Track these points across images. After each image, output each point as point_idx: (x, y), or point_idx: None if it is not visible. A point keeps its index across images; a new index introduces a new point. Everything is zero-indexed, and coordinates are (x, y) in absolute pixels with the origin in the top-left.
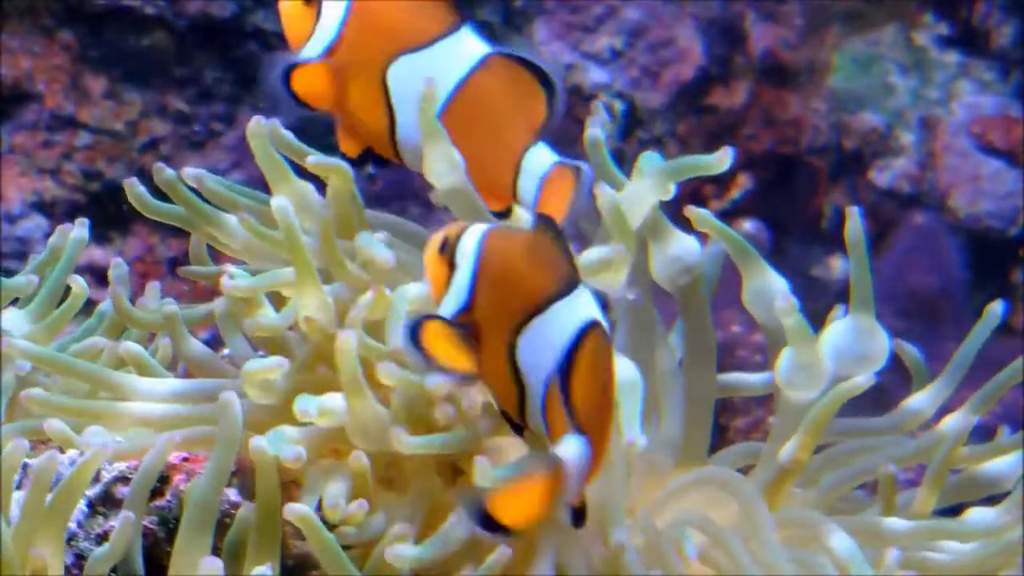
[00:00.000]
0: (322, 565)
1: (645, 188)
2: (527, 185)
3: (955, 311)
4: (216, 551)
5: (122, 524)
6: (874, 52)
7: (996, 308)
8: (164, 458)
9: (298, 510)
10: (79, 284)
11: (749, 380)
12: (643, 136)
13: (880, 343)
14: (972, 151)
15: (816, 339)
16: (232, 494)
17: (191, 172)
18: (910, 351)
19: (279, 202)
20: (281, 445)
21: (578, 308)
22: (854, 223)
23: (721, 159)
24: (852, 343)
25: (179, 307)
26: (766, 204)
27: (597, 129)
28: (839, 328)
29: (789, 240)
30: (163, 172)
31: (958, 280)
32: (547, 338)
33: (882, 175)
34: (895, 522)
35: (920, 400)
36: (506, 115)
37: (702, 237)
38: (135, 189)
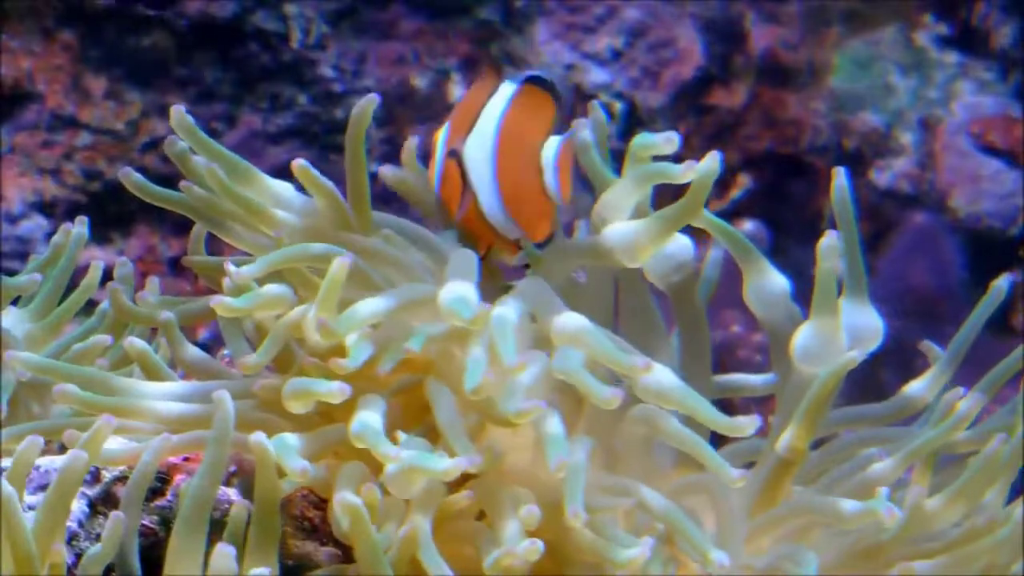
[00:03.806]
0: (361, 563)
1: (622, 192)
2: (549, 178)
3: (955, 311)
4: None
5: (112, 524)
6: (874, 52)
7: (1001, 284)
8: (159, 458)
9: (349, 500)
10: (94, 272)
11: (749, 380)
12: None
13: (872, 319)
14: (972, 151)
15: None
16: (233, 494)
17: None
18: (935, 352)
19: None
20: (288, 457)
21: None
22: (840, 182)
23: (685, 171)
24: (845, 319)
25: (179, 302)
26: (766, 204)
27: (586, 132)
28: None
29: (789, 240)
30: (175, 145)
31: (958, 280)
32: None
33: (882, 175)
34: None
35: (919, 386)
36: (530, 133)
37: (695, 237)
38: (132, 178)
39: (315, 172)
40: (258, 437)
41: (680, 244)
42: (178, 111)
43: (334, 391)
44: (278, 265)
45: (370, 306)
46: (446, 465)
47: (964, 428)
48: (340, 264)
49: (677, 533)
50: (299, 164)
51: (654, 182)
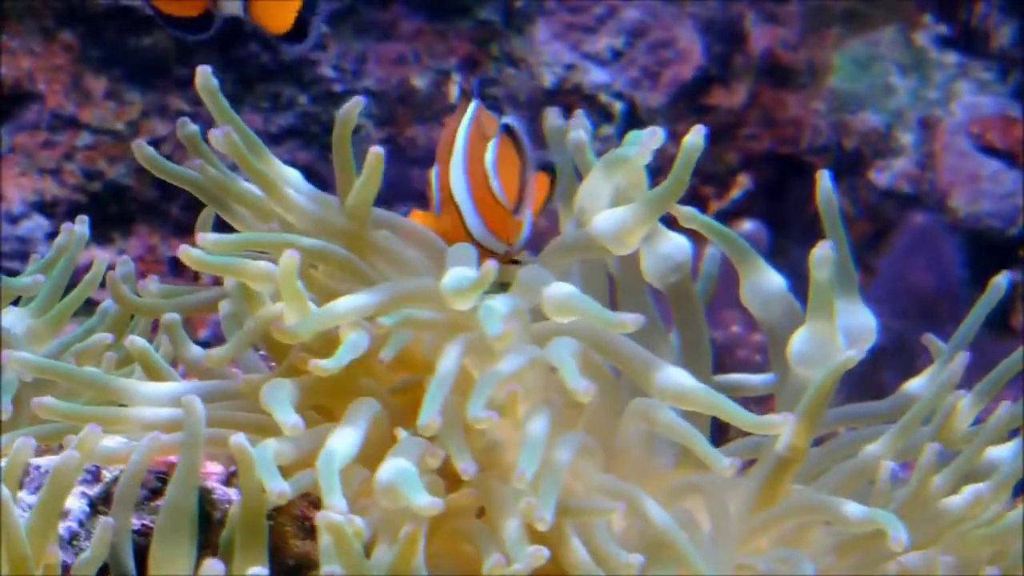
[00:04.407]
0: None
1: (597, 180)
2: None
3: (955, 311)
4: (214, 548)
5: (100, 530)
6: (874, 52)
7: (1000, 281)
8: (148, 458)
9: (332, 520)
10: (98, 267)
11: (749, 380)
12: None
13: (865, 318)
14: (971, 151)
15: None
16: (234, 494)
17: (216, 132)
18: (938, 345)
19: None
20: (269, 477)
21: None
22: (824, 183)
23: (639, 154)
24: (839, 320)
25: (180, 292)
26: (766, 204)
27: (580, 132)
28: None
29: (788, 240)
30: (186, 127)
31: (958, 280)
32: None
33: (882, 175)
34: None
35: (918, 383)
36: (478, 143)
37: (694, 236)
38: (143, 150)
39: (383, 165)
40: (238, 439)
41: (677, 244)
42: (204, 72)
43: (288, 425)
44: (256, 245)
45: (349, 303)
46: (425, 503)
47: (953, 389)
48: (289, 257)
49: (674, 551)
50: (375, 151)
51: (619, 169)
